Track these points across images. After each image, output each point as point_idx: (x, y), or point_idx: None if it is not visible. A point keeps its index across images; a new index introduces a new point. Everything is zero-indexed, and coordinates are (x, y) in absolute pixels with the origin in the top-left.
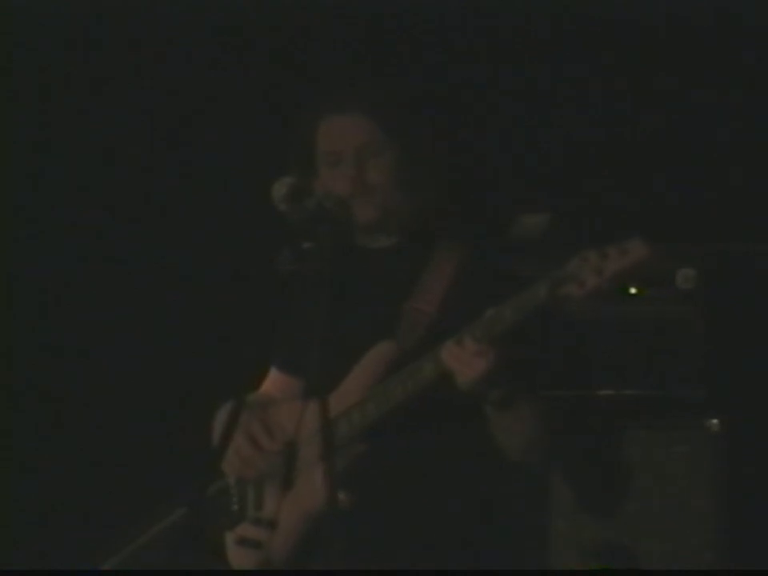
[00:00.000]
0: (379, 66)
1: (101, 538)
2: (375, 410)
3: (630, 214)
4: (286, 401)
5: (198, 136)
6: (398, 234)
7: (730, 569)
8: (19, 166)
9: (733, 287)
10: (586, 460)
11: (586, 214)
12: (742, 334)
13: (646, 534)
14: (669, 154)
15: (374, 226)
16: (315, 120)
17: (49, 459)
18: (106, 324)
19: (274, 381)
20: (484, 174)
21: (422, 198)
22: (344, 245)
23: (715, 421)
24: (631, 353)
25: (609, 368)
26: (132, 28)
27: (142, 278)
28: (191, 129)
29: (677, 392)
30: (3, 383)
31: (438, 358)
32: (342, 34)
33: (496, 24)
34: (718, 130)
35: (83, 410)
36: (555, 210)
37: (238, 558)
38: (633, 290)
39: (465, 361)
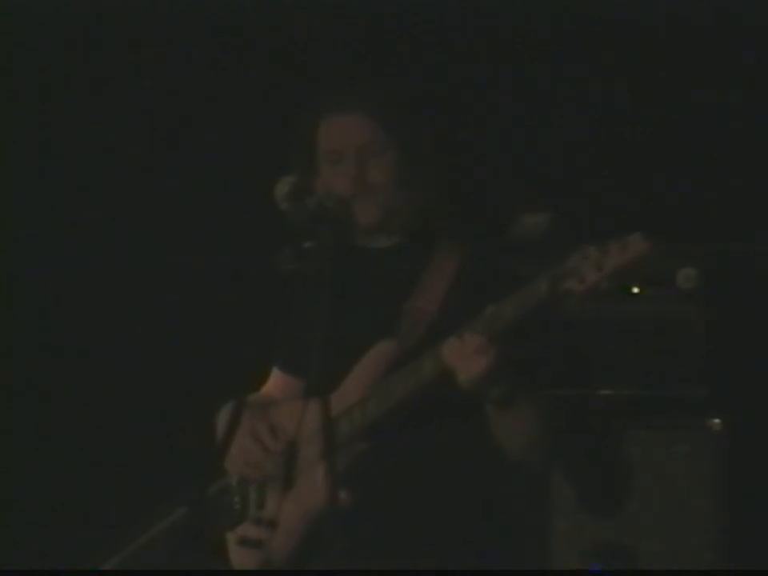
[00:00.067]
0: (379, 66)
1: (101, 538)
2: (376, 408)
3: (629, 213)
4: (287, 401)
5: (197, 136)
6: (399, 234)
7: (729, 569)
8: (19, 166)
9: (733, 287)
10: (586, 460)
11: (585, 213)
12: (742, 334)
13: (646, 534)
14: (669, 153)
15: (375, 225)
16: (316, 119)
17: (49, 459)
18: (106, 324)
19: (275, 381)
20: (484, 174)
21: (422, 197)
22: (345, 244)
23: (715, 420)
24: (631, 353)
25: (609, 368)
26: (132, 28)
27: (142, 278)
28: (191, 129)
29: (677, 392)
30: (3, 383)
31: (439, 355)
32: (342, 34)
33: (496, 24)
34: (718, 130)
35: (83, 410)
36: (555, 209)
37: (239, 557)
38: (635, 290)
39: (466, 357)
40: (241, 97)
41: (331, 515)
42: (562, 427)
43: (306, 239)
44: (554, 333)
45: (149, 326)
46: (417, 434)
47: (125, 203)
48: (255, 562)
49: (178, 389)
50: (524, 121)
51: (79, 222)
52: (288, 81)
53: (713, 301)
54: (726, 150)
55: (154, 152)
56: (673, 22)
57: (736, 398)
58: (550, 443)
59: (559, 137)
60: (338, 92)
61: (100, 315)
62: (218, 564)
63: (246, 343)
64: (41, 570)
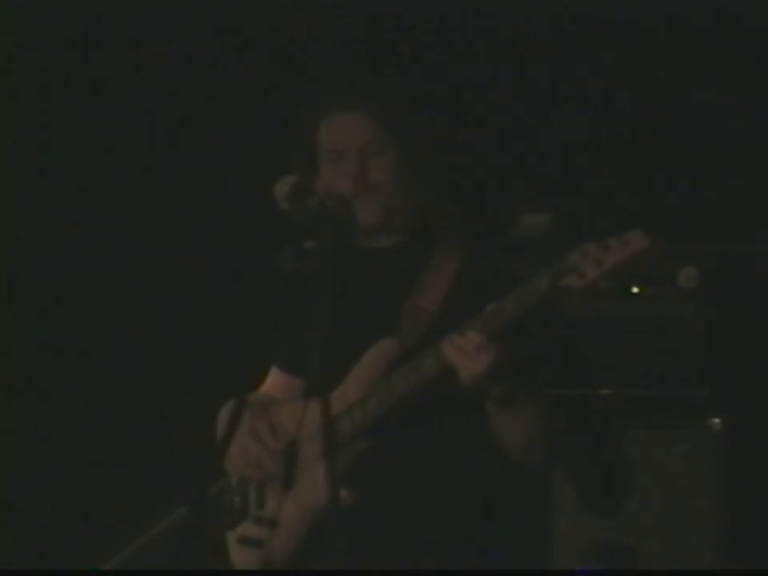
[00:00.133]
0: (379, 66)
1: (101, 538)
2: (377, 405)
3: (630, 213)
4: (288, 400)
5: (197, 136)
6: (399, 234)
7: (729, 569)
8: (19, 166)
9: (733, 287)
10: (587, 460)
11: (585, 214)
12: (742, 334)
13: (646, 534)
14: (669, 153)
15: (375, 225)
16: (316, 118)
17: (49, 459)
18: (106, 324)
19: (274, 381)
20: (484, 174)
21: (422, 197)
22: (345, 244)
23: (715, 420)
24: (631, 353)
25: (609, 368)
26: (132, 28)
27: (142, 278)
28: (191, 129)
29: (677, 392)
30: (3, 383)
31: (440, 353)
32: (342, 34)
33: (496, 24)
34: (718, 130)
35: (83, 410)
36: (555, 209)
37: (240, 557)
38: (635, 290)
39: (467, 355)
40: (241, 97)
41: (332, 514)
42: (562, 427)
43: (307, 239)
44: (555, 332)
45: (149, 325)
46: (417, 433)
47: (125, 203)
48: (256, 562)
49: (178, 389)
50: (524, 121)
51: (79, 221)
52: (288, 81)
53: (713, 301)
54: (726, 150)
55: (154, 152)
56: (673, 21)
57: (736, 398)
58: (550, 442)
59: (559, 137)
60: (339, 92)
61: (100, 315)
62: (218, 564)
63: (246, 343)
64: (41, 570)
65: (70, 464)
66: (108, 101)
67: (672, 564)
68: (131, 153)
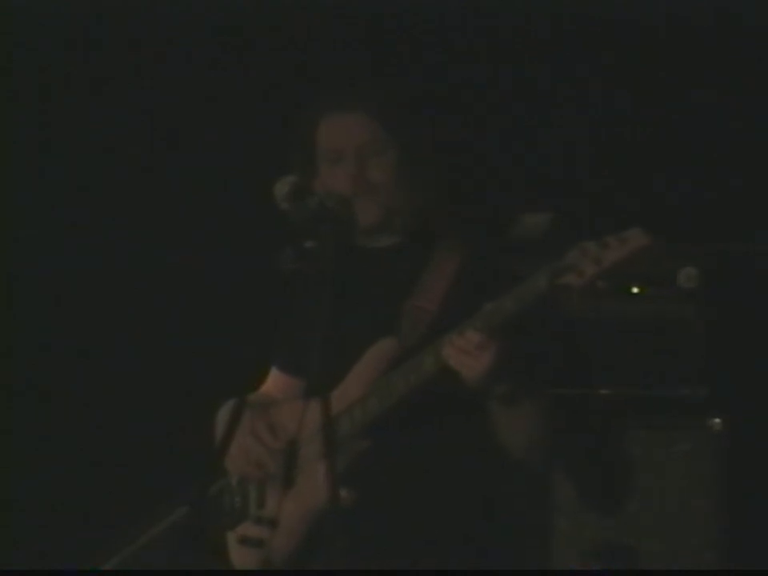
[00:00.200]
0: (379, 66)
1: (101, 538)
2: (377, 405)
3: (630, 213)
4: (288, 400)
5: (197, 136)
6: (399, 234)
7: (730, 569)
8: (19, 166)
9: (733, 287)
10: (587, 459)
11: (585, 213)
12: (742, 334)
13: (646, 534)
14: (669, 153)
15: (375, 225)
16: (316, 118)
17: (49, 459)
18: (106, 324)
19: (274, 381)
20: (484, 174)
21: (422, 197)
22: (345, 244)
23: (715, 420)
24: (631, 353)
25: (609, 368)
26: (132, 28)
27: (142, 278)
28: (191, 129)
29: (677, 392)
30: (3, 383)
31: (439, 352)
32: (342, 34)
33: (496, 24)
34: (718, 130)
35: (83, 410)
36: (555, 209)
37: (240, 557)
38: (635, 290)
39: (468, 355)
40: (241, 97)
41: (332, 514)
42: (562, 427)
43: (307, 239)
44: (554, 330)
45: (149, 325)
46: (417, 433)
47: (125, 203)
48: (256, 562)
49: (178, 389)
50: (524, 121)
51: (79, 221)
52: (288, 81)
53: (713, 301)
54: (726, 150)
55: (154, 152)
56: (673, 21)
57: (736, 398)
58: (551, 442)
59: (559, 137)
60: (338, 92)
61: (100, 315)
62: (218, 564)
63: (245, 343)
64: (41, 570)
65: (70, 464)
66: (108, 101)
67: (672, 564)
68: (131, 153)
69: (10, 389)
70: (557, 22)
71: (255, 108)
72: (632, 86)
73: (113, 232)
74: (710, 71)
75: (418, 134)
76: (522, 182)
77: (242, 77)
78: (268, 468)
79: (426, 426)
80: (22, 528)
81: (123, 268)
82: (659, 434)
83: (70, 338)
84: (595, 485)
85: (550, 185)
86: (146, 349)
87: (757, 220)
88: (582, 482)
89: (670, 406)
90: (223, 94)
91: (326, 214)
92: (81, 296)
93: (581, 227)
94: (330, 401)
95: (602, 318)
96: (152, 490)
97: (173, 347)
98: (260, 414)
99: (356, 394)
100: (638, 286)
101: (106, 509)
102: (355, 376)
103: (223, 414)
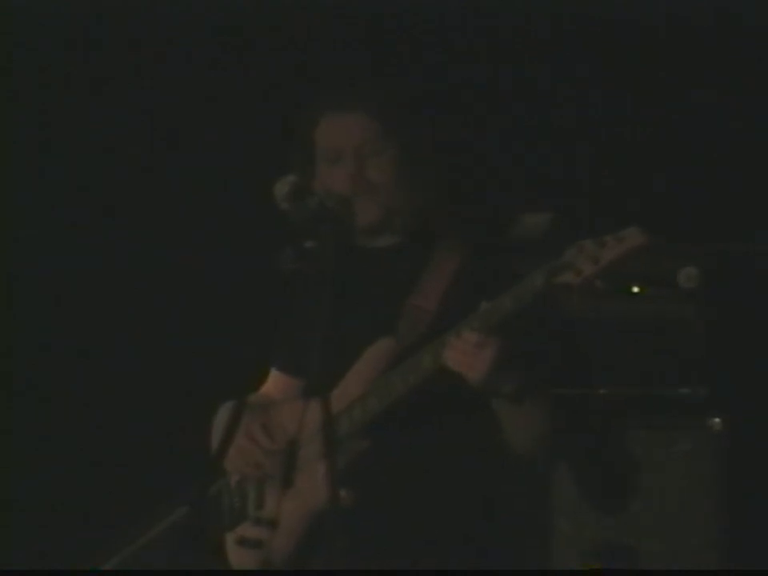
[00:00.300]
0: (379, 66)
1: (101, 538)
2: (377, 404)
3: (629, 213)
4: (287, 400)
5: (197, 136)
6: (399, 234)
7: (729, 569)
8: (19, 166)
9: (733, 287)
10: (587, 459)
11: (585, 213)
12: (742, 334)
13: (646, 534)
14: (669, 153)
15: (375, 225)
16: (316, 117)
17: (49, 459)
18: (106, 324)
19: (274, 382)
20: (484, 174)
21: (422, 197)
22: (346, 244)
23: (716, 420)
24: (631, 353)
25: (609, 368)
26: (132, 28)
27: (141, 278)
28: (191, 129)
29: (677, 391)
30: (3, 383)
31: (438, 352)
32: (342, 34)
33: (496, 24)
34: (718, 130)
35: (83, 410)
36: (555, 209)
37: (239, 557)
38: (635, 289)
39: (468, 354)
40: (241, 97)
41: (332, 514)
42: (562, 427)
43: (307, 239)
44: (552, 329)
45: (149, 325)
46: (417, 433)
47: (125, 203)
48: (255, 562)
49: (178, 389)
50: (524, 121)
51: (79, 221)
52: (288, 81)
53: (713, 301)
54: (726, 150)
55: (154, 152)
56: (673, 21)
57: (736, 398)
58: (552, 440)
59: (559, 137)
60: (338, 91)
61: (100, 315)
62: (218, 564)
63: (245, 343)
64: (41, 570)
65: (70, 464)
66: (108, 101)
67: (672, 564)
68: (131, 153)
69: (9, 389)
70: (557, 22)
71: (255, 108)
72: (632, 86)
73: (113, 232)
74: (709, 71)
75: (417, 134)
76: (522, 182)
77: (242, 77)
78: (265, 465)
79: (425, 425)
80: (22, 528)
81: (123, 268)
82: (659, 434)
83: (70, 338)
84: (595, 485)
85: (550, 185)
86: (146, 349)
87: (757, 220)
88: (582, 481)
89: (670, 406)
90: (223, 93)
91: (325, 214)
92: (81, 296)
93: (581, 227)
94: (329, 400)
95: (602, 317)
96: (152, 490)
97: (173, 347)
98: (256, 415)
99: (355, 394)
100: (638, 286)
101: (105, 509)
102: (354, 375)
103: (221, 417)
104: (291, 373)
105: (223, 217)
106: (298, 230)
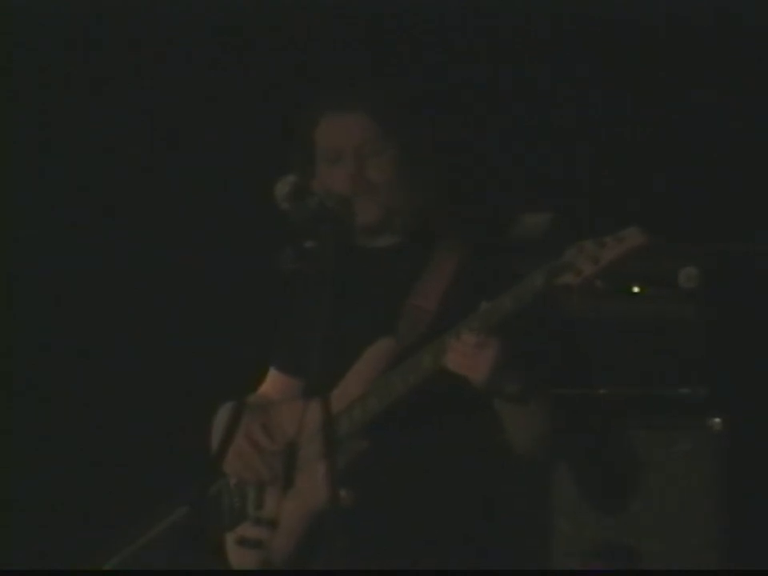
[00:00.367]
0: (379, 66)
1: (101, 538)
2: (377, 404)
3: (629, 213)
4: (287, 401)
5: (197, 136)
6: (399, 234)
7: (730, 569)
8: (19, 166)
9: (733, 287)
10: (587, 459)
11: (585, 213)
12: (742, 334)
13: (646, 534)
14: (669, 153)
15: (374, 225)
16: (316, 117)
17: (49, 459)
18: (106, 324)
19: (273, 381)
20: (484, 174)
21: (422, 197)
22: (346, 244)
23: (716, 420)
24: (631, 353)
25: (609, 368)
26: (132, 28)
27: (141, 278)
28: (191, 129)
29: (677, 391)
30: (3, 383)
31: (438, 352)
32: (342, 34)
33: (496, 24)
34: (718, 130)
35: (83, 410)
36: (555, 209)
37: (239, 557)
38: (635, 289)
39: (468, 355)
40: (241, 97)
41: (332, 514)
42: (562, 427)
43: (307, 239)
44: (552, 329)
45: (149, 325)
46: (417, 433)
47: (125, 203)
48: (255, 562)
49: (178, 389)
50: (524, 121)
51: (79, 221)
52: (288, 81)
53: (713, 301)
54: (726, 150)
55: (154, 152)
56: (673, 21)
57: (736, 398)
58: (553, 440)
59: (559, 137)
60: (338, 91)
61: (100, 315)
62: (218, 564)
63: (245, 343)
64: (41, 570)
65: (70, 464)
66: (108, 101)
67: (672, 564)
68: (131, 153)
69: (10, 389)
70: (557, 22)
71: (255, 108)
72: (632, 86)
73: (113, 232)
74: (710, 71)
75: (417, 134)
76: (522, 182)
77: (242, 77)
78: (261, 471)
79: (425, 425)
80: (22, 528)
81: (123, 268)
82: (659, 434)
83: (70, 338)
84: (595, 485)
85: (550, 185)
86: (146, 349)
87: (757, 220)
88: (582, 481)
89: (670, 406)
90: (223, 93)
91: (326, 214)
92: (81, 296)
93: (581, 227)
94: (329, 400)
95: (602, 318)
96: (152, 490)
97: (173, 347)
98: (256, 416)
99: (355, 394)
100: (638, 286)
101: (106, 509)
102: (354, 375)
103: (220, 417)
104: (291, 373)
105: (223, 217)
106: (297, 230)
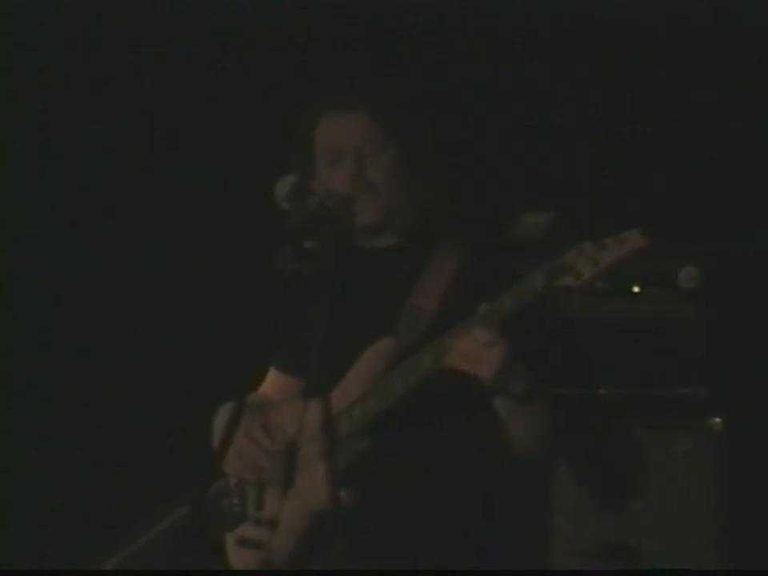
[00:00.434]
0: (379, 66)
1: (101, 538)
2: (376, 404)
3: (629, 213)
4: (287, 401)
5: (197, 136)
6: (399, 234)
7: (730, 569)
8: (19, 166)
9: (733, 287)
10: (587, 459)
11: (585, 213)
12: (742, 334)
13: (646, 534)
14: (669, 153)
15: (374, 225)
16: (316, 117)
17: (49, 459)
18: (106, 324)
19: (272, 381)
20: (484, 174)
21: (422, 197)
22: (346, 244)
23: (716, 420)
24: (631, 353)
25: (609, 368)
26: (132, 28)
27: (141, 278)
28: (191, 129)
29: (677, 391)
30: (3, 383)
31: (438, 352)
32: (342, 34)
33: (496, 24)
34: (718, 130)
35: (83, 410)
36: (555, 209)
37: (239, 557)
38: (635, 289)
39: (477, 354)
40: (241, 97)
41: (332, 514)
42: (562, 427)
43: (307, 239)
44: (552, 330)
45: (149, 325)
46: (417, 433)
47: (125, 203)
48: (255, 562)
49: (178, 389)
50: (524, 121)
51: (79, 221)
52: (288, 81)
53: (713, 301)
54: (726, 150)
55: (154, 152)
56: (673, 21)
57: (736, 398)
58: (553, 440)
59: (559, 137)
60: (338, 91)
61: (100, 315)
62: (218, 564)
63: (245, 343)
64: (41, 570)
65: (70, 464)
66: (108, 101)
67: (672, 564)
68: (131, 153)
69: (10, 389)
70: (557, 22)
71: (255, 108)
72: (632, 86)
73: (113, 232)
74: (710, 71)
75: (417, 134)
76: (522, 182)
77: (242, 77)
78: (263, 470)
79: (425, 425)
80: (22, 528)
81: (123, 268)
82: (659, 434)
83: (70, 338)
84: (595, 485)
85: (550, 185)
86: (146, 349)
87: (757, 220)
88: (582, 481)
89: (670, 406)
90: (223, 93)
91: (326, 214)
92: (81, 296)
93: (581, 227)
94: (329, 400)
95: (602, 318)
96: (152, 490)
97: (173, 347)
98: (256, 416)
99: (355, 394)
100: (638, 286)
101: (106, 509)
102: (354, 375)
103: (220, 417)
104: (291, 373)
105: (223, 217)
106: (297, 230)
